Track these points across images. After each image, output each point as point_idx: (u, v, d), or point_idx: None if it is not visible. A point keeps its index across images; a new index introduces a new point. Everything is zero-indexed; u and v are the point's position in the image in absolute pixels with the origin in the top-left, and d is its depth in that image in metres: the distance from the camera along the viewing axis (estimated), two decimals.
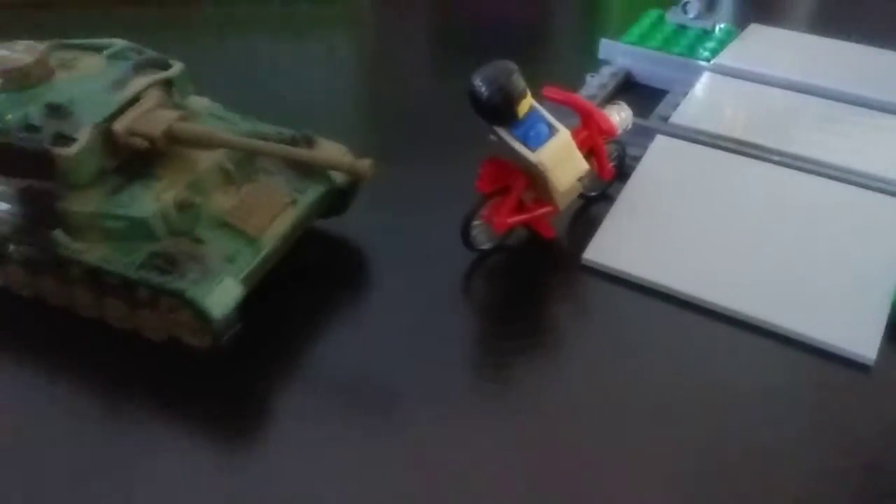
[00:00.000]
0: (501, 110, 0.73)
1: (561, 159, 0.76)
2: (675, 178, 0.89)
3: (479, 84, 0.72)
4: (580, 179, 0.80)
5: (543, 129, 0.76)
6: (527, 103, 0.74)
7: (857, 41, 1.12)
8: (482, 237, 0.83)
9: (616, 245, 0.82)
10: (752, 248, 0.81)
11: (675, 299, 0.78)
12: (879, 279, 0.76)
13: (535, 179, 0.79)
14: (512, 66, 0.73)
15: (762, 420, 0.68)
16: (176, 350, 0.73)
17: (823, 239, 0.81)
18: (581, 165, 0.78)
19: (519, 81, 0.73)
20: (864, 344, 0.71)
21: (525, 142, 0.75)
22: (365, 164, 0.68)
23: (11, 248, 0.76)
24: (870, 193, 0.86)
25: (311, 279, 0.82)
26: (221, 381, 0.72)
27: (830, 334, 0.72)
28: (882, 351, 0.71)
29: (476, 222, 0.81)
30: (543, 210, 0.82)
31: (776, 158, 0.91)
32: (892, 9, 1.27)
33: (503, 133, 0.75)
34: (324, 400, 0.71)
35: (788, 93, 1.02)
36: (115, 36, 0.81)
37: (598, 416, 0.69)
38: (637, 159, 0.92)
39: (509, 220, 0.80)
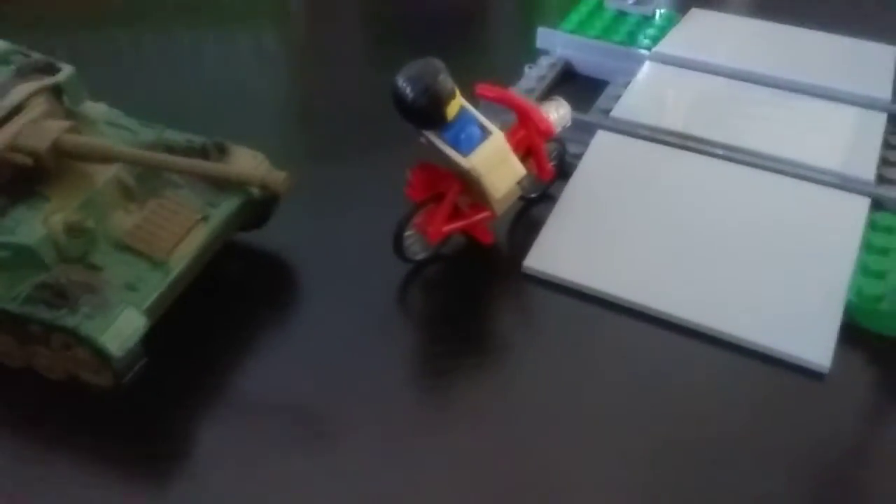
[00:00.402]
0: (429, 113, 0.67)
1: (495, 163, 0.71)
2: (618, 177, 0.85)
3: (404, 85, 0.66)
4: (518, 183, 0.75)
5: (475, 131, 0.70)
6: (456, 104, 0.68)
7: (799, 25, 1.09)
8: (416, 247, 0.77)
9: (557, 251, 0.78)
10: (698, 251, 0.77)
11: (620, 307, 0.74)
12: (830, 278, 0.73)
13: (470, 184, 0.73)
14: (439, 64, 0.67)
15: (712, 430, 0.65)
16: (79, 386, 0.66)
17: (772, 237, 0.78)
18: (518, 169, 0.73)
19: (446, 81, 0.67)
20: (818, 351, 0.68)
21: (456, 146, 0.69)
22: (279, 177, 0.62)
23: None
24: (818, 188, 0.83)
25: (231, 297, 0.76)
26: (134, 416, 0.66)
27: (782, 342, 0.69)
28: (836, 357, 0.68)
29: (409, 232, 0.76)
30: (480, 215, 0.77)
31: (720, 152, 0.88)
32: None
33: (432, 137, 0.69)
34: (250, 428, 0.65)
35: (731, 81, 0.99)
36: None
37: (542, 429, 0.65)
38: (578, 157, 0.88)
39: (444, 228, 0.75)
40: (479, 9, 1.28)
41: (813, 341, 0.69)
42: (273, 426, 0.65)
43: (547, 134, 0.77)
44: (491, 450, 0.63)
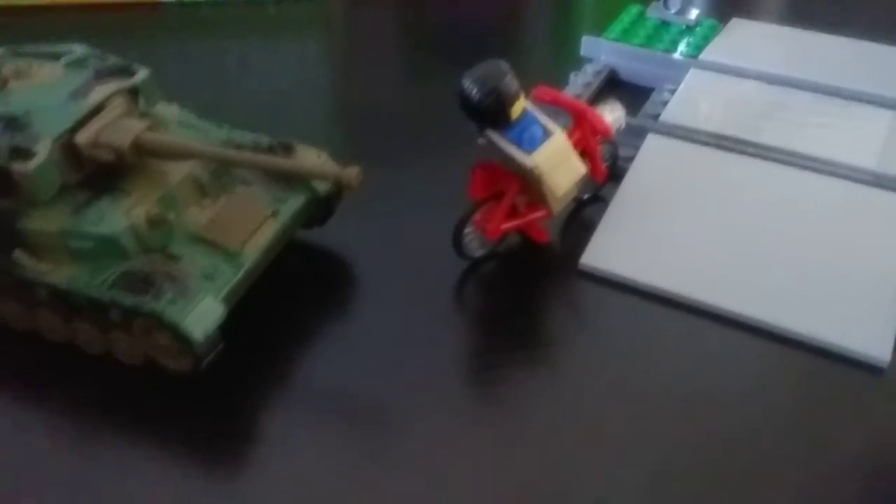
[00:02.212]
0: (494, 113, 0.70)
1: (557, 162, 0.73)
2: (670, 178, 0.87)
3: (471, 86, 0.69)
4: (576, 182, 0.77)
5: (538, 131, 0.72)
6: (520, 105, 0.71)
7: (838, 34, 1.10)
8: (474, 244, 0.79)
9: (612, 249, 0.79)
10: (754, 247, 0.79)
11: (676, 303, 0.75)
12: (887, 276, 0.74)
13: (529, 183, 0.75)
14: (505, 66, 0.70)
15: (770, 425, 0.66)
16: (154, 372, 0.68)
17: (826, 236, 0.79)
18: (578, 168, 0.75)
19: (512, 83, 0.69)
20: (877, 345, 0.69)
21: (519, 145, 0.71)
22: (352, 172, 0.64)
23: None
24: (869, 189, 0.84)
25: (293, 293, 0.78)
26: (204, 402, 0.68)
27: (839, 336, 0.70)
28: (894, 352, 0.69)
29: (468, 229, 0.77)
30: (537, 214, 0.79)
31: (772, 155, 0.89)
32: (872, 0, 1.26)
33: (496, 137, 0.72)
34: (313, 417, 0.67)
35: (774, 87, 1.00)
36: (73, 42, 0.76)
37: (593, 423, 0.66)
38: (629, 160, 0.90)
39: (503, 226, 0.77)
40: (518, 20, 1.31)
41: (871, 335, 0.70)
42: (332, 416, 0.68)
43: (605, 134, 0.79)
44: (540, 444, 0.65)
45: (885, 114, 0.95)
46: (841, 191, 0.84)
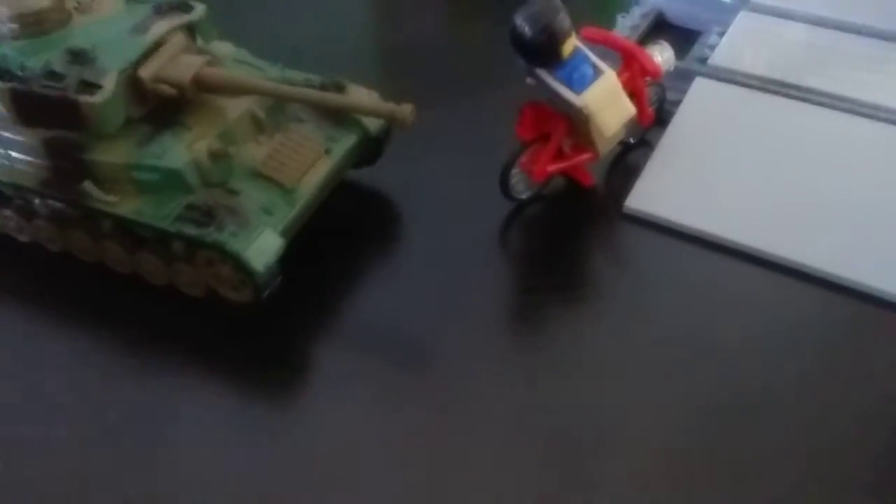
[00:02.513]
0: (545, 51, 0.70)
1: (607, 102, 0.73)
2: (718, 123, 0.86)
3: (523, 22, 0.69)
4: (625, 124, 0.77)
5: (588, 70, 0.73)
6: (571, 43, 0.71)
7: None
8: (520, 186, 0.80)
9: (658, 193, 0.80)
10: (800, 192, 0.79)
11: (720, 247, 0.76)
12: None
13: (577, 124, 0.76)
14: (557, 3, 0.70)
15: (812, 368, 0.67)
16: (210, 305, 0.71)
17: (873, 182, 0.79)
18: (628, 108, 0.75)
19: (565, 20, 0.69)
20: None
21: (569, 84, 0.72)
22: (406, 109, 0.65)
23: (38, 202, 0.73)
24: None
25: (343, 232, 0.80)
26: (257, 334, 0.71)
27: (883, 281, 0.70)
28: None
29: (514, 171, 0.79)
30: (583, 157, 0.79)
31: (821, 100, 0.88)
32: None
33: (545, 75, 0.72)
34: (360, 352, 0.70)
35: (829, 31, 0.97)
36: None
37: (637, 368, 0.68)
38: (675, 104, 0.89)
39: (549, 167, 0.78)
40: None
41: None
42: (377, 352, 0.70)
43: (654, 74, 0.79)
44: (579, 387, 0.66)
45: None
46: (892, 137, 0.83)
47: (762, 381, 0.66)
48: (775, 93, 0.89)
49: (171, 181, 0.67)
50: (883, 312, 0.70)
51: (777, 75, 0.91)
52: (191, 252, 0.68)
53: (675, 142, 0.85)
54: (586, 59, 0.73)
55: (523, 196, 0.81)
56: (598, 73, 0.73)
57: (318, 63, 0.82)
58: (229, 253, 0.65)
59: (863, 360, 0.67)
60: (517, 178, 0.79)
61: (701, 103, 0.89)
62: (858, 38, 0.96)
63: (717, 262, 0.76)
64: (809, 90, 0.89)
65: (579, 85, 0.72)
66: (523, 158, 0.78)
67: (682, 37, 1.00)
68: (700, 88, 0.90)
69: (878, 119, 0.85)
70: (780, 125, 0.86)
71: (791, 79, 0.90)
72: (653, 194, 0.80)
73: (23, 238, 0.77)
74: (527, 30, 0.69)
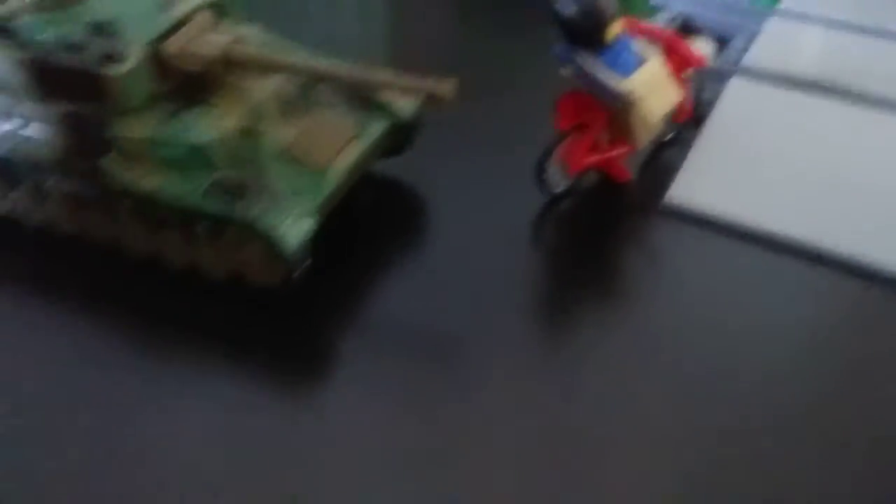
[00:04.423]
0: (591, 31, 0.68)
1: (652, 88, 0.71)
2: (754, 120, 0.85)
3: (568, 2, 0.67)
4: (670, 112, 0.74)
5: (631, 57, 0.71)
6: (616, 28, 0.69)
7: None
8: (555, 179, 0.77)
9: (701, 186, 0.78)
10: (838, 185, 0.77)
11: (760, 239, 0.74)
12: None
13: (616, 115, 0.73)
14: None
15: (855, 359, 0.64)
16: (228, 290, 0.68)
17: None
18: (673, 94, 0.74)
19: (611, 3, 0.67)
20: None
21: (614, 69, 0.69)
22: (447, 85, 0.63)
23: (50, 182, 0.70)
24: None
25: (370, 221, 0.77)
26: (280, 321, 0.68)
27: None
28: None
29: (548, 163, 0.76)
30: (621, 150, 0.77)
31: (857, 100, 0.87)
32: None
33: (588, 60, 0.70)
34: (383, 343, 0.67)
35: (860, 36, 0.97)
36: None
37: (672, 367, 0.64)
38: (710, 105, 0.88)
39: (586, 160, 0.75)
40: None
41: None
42: (401, 343, 0.67)
43: (699, 63, 0.77)
44: (606, 387, 0.63)
45: None
46: None
47: (801, 374, 0.63)
48: (808, 91, 0.88)
49: (198, 157, 0.64)
50: None
51: (808, 75, 0.90)
52: (217, 231, 0.65)
53: (714, 138, 0.83)
54: (629, 45, 0.71)
55: (557, 189, 0.78)
56: (641, 60, 0.71)
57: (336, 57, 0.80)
58: (260, 230, 0.62)
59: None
60: (552, 171, 0.77)
61: (736, 102, 0.87)
62: (884, 41, 0.96)
63: (756, 256, 0.73)
64: (843, 90, 0.88)
65: (623, 70, 0.70)
66: (560, 150, 0.75)
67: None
68: (735, 88, 0.89)
69: None
70: (813, 121, 0.85)
71: (822, 78, 0.90)
72: (694, 187, 0.77)
73: (33, 221, 0.74)
74: (573, 8, 0.67)
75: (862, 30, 0.98)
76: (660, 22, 1.02)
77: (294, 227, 0.62)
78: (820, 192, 0.77)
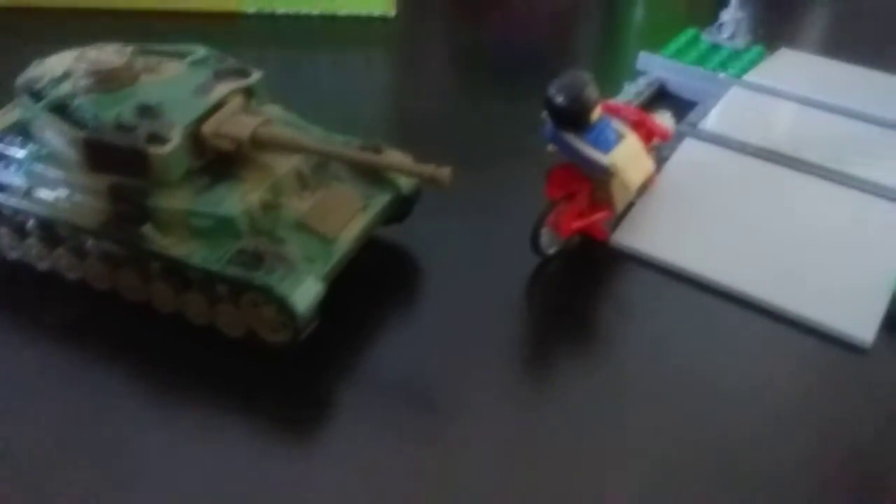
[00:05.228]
0: (577, 117, 0.77)
1: (630, 161, 0.81)
2: (701, 177, 0.95)
3: (558, 92, 0.77)
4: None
5: (612, 134, 0.80)
6: (598, 111, 0.78)
7: (888, 71, 1.15)
8: (548, 242, 0.85)
9: (643, 230, 0.88)
10: (767, 238, 0.87)
11: (694, 282, 0.83)
12: (881, 274, 0.83)
13: (598, 184, 0.82)
14: (587, 76, 0.78)
15: (770, 402, 0.72)
16: (243, 347, 0.74)
17: (832, 235, 0.87)
18: (648, 165, 0.84)
19: (594, 91, 0.77)
20: (863, 327, 0.77)
21: (596, 146, 0.79)
22: (445, 171, 0.70)
23: (90, 242, 0.77)
24: (880, 200, 0.92)
25: (371, 283, 0.83)
26: (288, 373, 0.74)
27: (832, 318, 0.78)
28: (880, 339, 0.77)
29: (542, 229, 0.84)
30: (601, 214, 0.86)
31: (794, 165, 0.97)
32: None
33: (575, 139, 0.79)
34: (378, 397, 0.72)
35: (810, 110, 1.07)
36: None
37: (605, 408, 0.72)
38: (666, 159, 0.97)
39: (574, 224, 0.83)
40: (572, 41, 1.38)
41: (859, 319, 0.78)
42: (394, 398, 0.73)
43: (665, 136, 0.87)
44: (583, 439, 0.69)
45: None
46: (862, 203, 0.92)
47: (720, 415, 0.71)
48: (755, 156, 0.98)
49: (225, 227, 0.72)
50: (851, 356, 0.76)
51: (757, 142, 1.00)
52: (236, 294, 0.72)
53: (663, 189, 0.93)
54: (609, 124, 0.80)
55: (550, 251, 0.86)
56: (620, 136, 0.81)
57: (344, 132, 0.87)
58: (276, 295, 0.69)
59: (830, 404, 0.73)
60: (545, 235, 0.85)
61: (688, 159, 0.98)
62: (839, 117, 1.05)
63: (692, 296, 0.82)
64: (786, 156, 0.98)
65: (605, 146, 0.79)
66: (551, 217, 0.83)
67: (680, 106, 1.09)
68: (689, 147, 0.99)
69: (846, 185, 0.94)
70: (754, 182, 0.95)
71: (770, 146, 0.99)
72: (638, 231, 0.87)
73: (72, 276, 0.81)
74: (562, 98, 0.76)
75: (812, 103, 1.08)
76: (640, 84, 1.12)
77: (305, 293, 0.69)
78: (745, 243, 0.87)
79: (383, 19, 1.33)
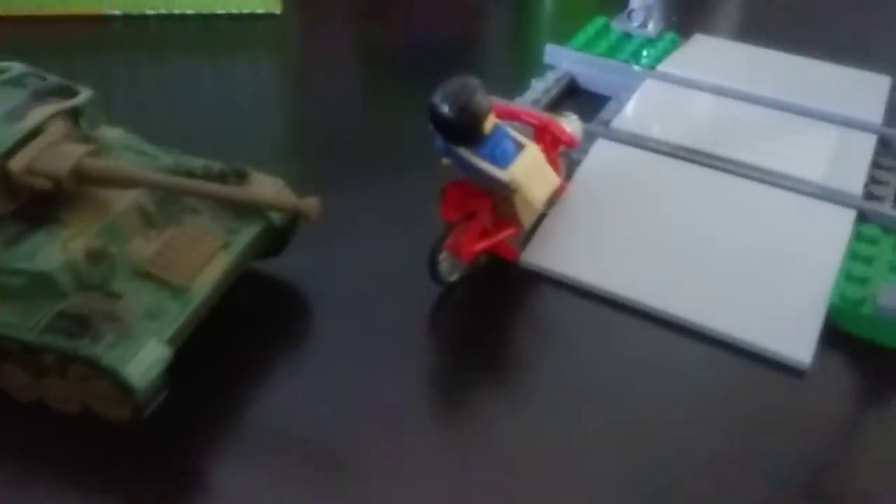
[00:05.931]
0: (467, 130, 0.66)
1: (533, 175, 0.70)
2: (615, 182, 0.86)
3: (442, 103, 0.65)
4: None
5: (510, 145, 0.69)
6: (491, 121, 0.67)
7: (800, 54, 1.10)
8: (448, 269, 0.75)
9: (555, 247, 0.79)
10: (689, 251, 0.79)
11: (613, 303, 0.75)
12: (814, 283, 0.75)
13: (501, 200, 0.72)
14: (475, 81, 0.66)
15: (698, 425, 0.66)
16: (82, 422, 0.62)
17: (759, 243, 0.80)
18: (553, 178, 0.74)
19: (484, 98, 0.66)
20: (800, 348, 0.70)
21: (492, 160, 0.68)
22: (311, 203, 0.60)
23: None
24: (808, 199, 0.85)
25: (245, 327, 0.72)
26: (145, 451, 0.62)
27: (766, 338, 0.71)
28: (817, 356, 0.70)
29: (441, 254, 0.73)
30: (508, 232, 0.76)
31: (714, 164, 0.89)
32: (835, 22, 1.26)
33: (468, 154, 0.68)
34: (264, 462, 0.62)
35: (727, 100, 1.00)
36: (9, 59, 0.69)
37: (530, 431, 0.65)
38: (578, 163, 0.89)
39: (477, 246, 0.73)
40: (476, 33, 1.28)
41: (796, 339, 0.71)
42: (288, 460, 0.63)
43: (571, 144, 0.78)
44: (507, 470, 0.62)
45: (839, 131, 0.95)
46: (785, 202, 0.84)
47: (650, 439, 0.65)
48: (672, 156, 0.90)
49: (41, 286, 0.59)
50: (763, 368, 0.70)
51: (675, 139, 0.92)
52: (63, 366, 0.59)
53: (574, 199, 0.84)
54: (506, 134, 0.70)
55: (452, 278, 0.76)
56: (519, 147, 0.70)
57: (226, 145, 0.76)
58: (105, 368, 0.56)
59: (756, 421, 0.66)
60: (445, 261, 0.74)
61: (600, 163, 0.89)
62: (756, 107, 0.99)
63: (609, 317, 0.74)
64: (705, 154, 0.90)
65: (503, 160, 0.69)
66: (450, 240, 0.73)
67: (592, 101, 1.02)
68: (600, 149, 0.91)
69: (770, 183, 0.86)
70: (672, 185, 0.87)
71: (688, 143, 0.92)
72: (549, 249, 0.79)
73: None
74: (447, 110, 0.65)
75: (729, 93, 1.00)
76: (548, 80, 1.02)
77: (145, 362, 0.57)
78: (667, 258, 0.78)
79: (268, 17, 1.21)
